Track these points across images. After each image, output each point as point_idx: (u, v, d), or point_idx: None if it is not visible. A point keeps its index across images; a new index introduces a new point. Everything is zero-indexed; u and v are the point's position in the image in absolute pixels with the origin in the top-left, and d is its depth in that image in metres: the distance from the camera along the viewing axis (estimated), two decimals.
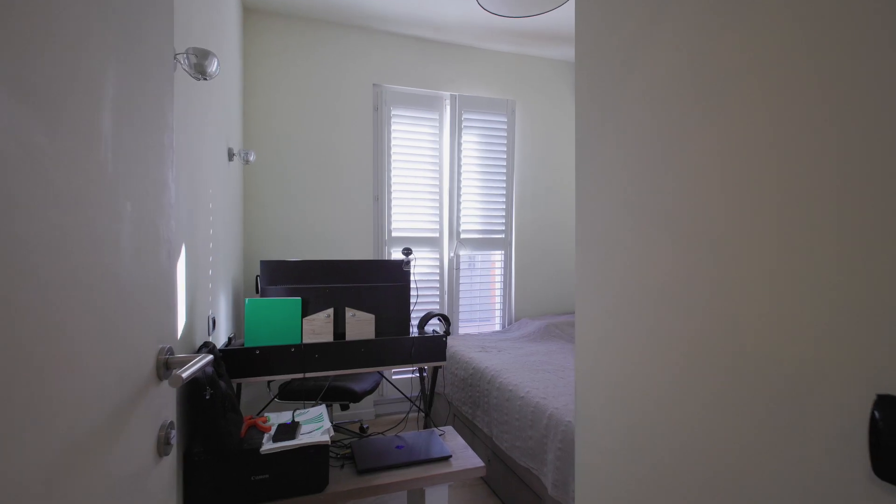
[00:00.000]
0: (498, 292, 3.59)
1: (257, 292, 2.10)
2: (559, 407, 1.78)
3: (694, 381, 0.68)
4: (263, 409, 2.18)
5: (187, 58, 1.19)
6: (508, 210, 3.51)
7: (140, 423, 0.62)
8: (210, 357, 0.70)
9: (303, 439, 1.50)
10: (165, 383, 0.69)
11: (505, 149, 3.45)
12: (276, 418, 1.64)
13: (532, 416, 1.88)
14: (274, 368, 1.72)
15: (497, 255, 3.56)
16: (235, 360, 1.67)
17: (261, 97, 2.88)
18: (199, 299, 1.52)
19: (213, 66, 1.22)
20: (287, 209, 2.95)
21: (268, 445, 1.44)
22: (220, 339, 1.90)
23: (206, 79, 1.23)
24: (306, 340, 1.79)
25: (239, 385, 1.84)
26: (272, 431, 1.53)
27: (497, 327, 3.60)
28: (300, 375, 1.75)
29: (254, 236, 2.88)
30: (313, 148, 3.01)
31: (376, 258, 3.07)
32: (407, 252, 1.98)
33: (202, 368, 0.66)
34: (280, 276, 1.81)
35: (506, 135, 3.45)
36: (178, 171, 1.25)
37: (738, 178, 0.62)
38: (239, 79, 2.65)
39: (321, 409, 1.71)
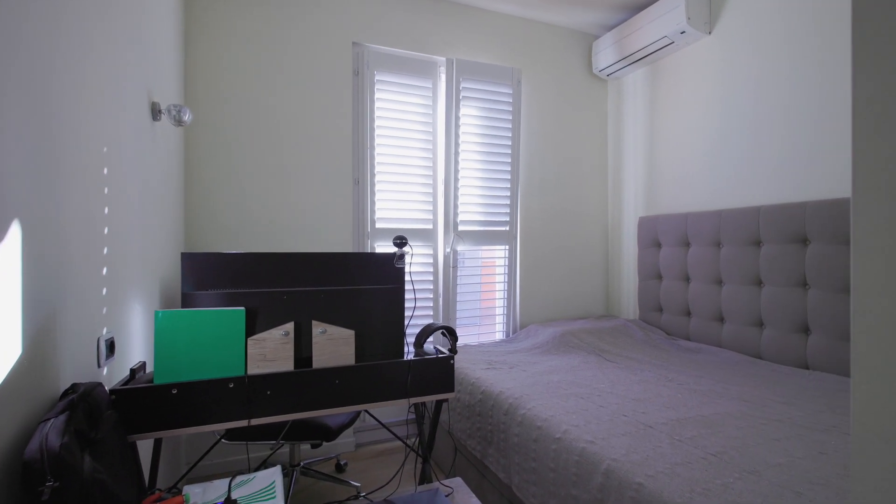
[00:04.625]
0: (500, 294, 3.06)
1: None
2: (618, 458, 1.26)
3: None
4: (203, 456, 1.60)
5: None
6: (514, 197, 2.98)
7: None
8: None
9: None
10: None
11: (510, 125, 2.92)
12: (202, 494, 1.07)
13: (576, 467, 1.35)
14: (201, 415, 1.15)
15: (499, 251, 3.02)
16: (137, 405, 1.09)
17: (209, 49, 2.29)
18: (70, 315, 0.95)
19: None
20: (244, 192, 2.36)
21: None
22: (125, 369, 1.32)
23: None
24: (253, 370, 1.23)
25: (159, 440, 1.26)
26: None
27: (499, 335, 3.06)
28: (243, 423, 1.18)
29: (198, 223, 2.29)
30: (278, 117, 2.43)
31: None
32: (400, 242, 1.43)
33: None
34: (214, 276, 1.24)
35: (511, 108, 2.92)
36: None
37: None
38: (175, 17, 2.05)
39: (274, 474, 1.14)
